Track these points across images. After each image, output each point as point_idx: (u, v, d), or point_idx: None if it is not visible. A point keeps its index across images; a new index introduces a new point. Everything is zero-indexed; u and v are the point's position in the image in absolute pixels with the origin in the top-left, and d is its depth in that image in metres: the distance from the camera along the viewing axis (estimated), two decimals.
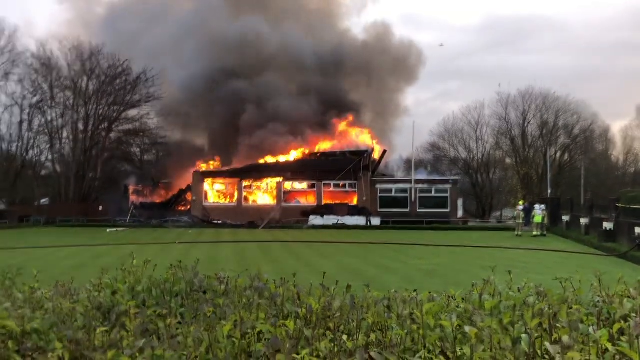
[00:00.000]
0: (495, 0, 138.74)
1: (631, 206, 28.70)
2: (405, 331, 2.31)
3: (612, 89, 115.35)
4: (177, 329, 2.55)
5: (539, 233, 36.45)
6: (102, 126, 58.46)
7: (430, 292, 2.99)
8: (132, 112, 60.22)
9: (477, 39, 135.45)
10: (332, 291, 3.00)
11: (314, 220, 45.81)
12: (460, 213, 48.83)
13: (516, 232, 37.56)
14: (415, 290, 3.08)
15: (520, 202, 41.79)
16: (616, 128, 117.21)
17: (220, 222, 47.08)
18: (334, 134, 56.74)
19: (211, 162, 54.88)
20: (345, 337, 2.29)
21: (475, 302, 2.81)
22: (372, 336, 2.36)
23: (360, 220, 45.54)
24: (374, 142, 54.97)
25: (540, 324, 2.20)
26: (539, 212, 36.85)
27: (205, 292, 3.31)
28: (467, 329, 2.06)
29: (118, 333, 2.32)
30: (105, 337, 2.37)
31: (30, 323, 2.53)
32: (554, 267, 21.77)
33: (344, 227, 44.00)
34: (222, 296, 3.12)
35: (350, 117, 58.02)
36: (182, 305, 3.08)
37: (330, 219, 45.66)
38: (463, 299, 3.04)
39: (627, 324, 2.09)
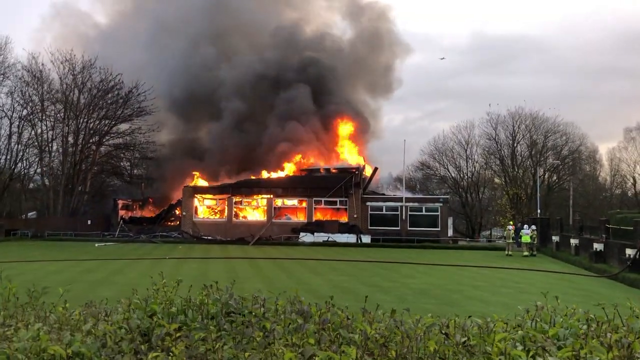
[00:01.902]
0: (483, 22, 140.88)
1: (622, 227, 28.88)
2: None
3: (599, 111, 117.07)
4: (219, 353, 2.48)
5: (528, 253, 36.54)
6: (93, 140, 58.07)
7: (500, 319, 2.92)
8: (123, 126, 59.96)
9: (466, 59, 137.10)
10: (375, 315, 2.94)
11: (304, 237, 45.65)
12: (450, 232, 48.90)
13: (506, 252, 37.64)
14: (470, 317, 3.04)
15: (511, 223, 41.86)
16: (603, 150, 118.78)
17: (210, 237, 46.78)
18: (327, 146, 56.88)
19: (199, 175, 54.57)
20: None
21: (529, 328, 2.77)
22: None
23: (350, 238, 45.44)
24: (364, 159, 55.09)
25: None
26: (526, 232, 37.03)
27: (242, 314, 3.23)
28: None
29: (169, 358, 2.26)
30: None
31: (72, 347, 2.46)
32: (547, 288, 21.68)
33: (334, 244, 43.86)
34: (264, 319, 3.04)
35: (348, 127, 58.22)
36: (221, 328, 3.00)
37: (320, 236, 45.53)
38: (519, 325, 2.99)
39: None
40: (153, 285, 3.64)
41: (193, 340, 2.53)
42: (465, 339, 2.62)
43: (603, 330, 2.65)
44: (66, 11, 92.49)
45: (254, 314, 3.21)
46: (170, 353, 2.34)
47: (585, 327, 2.80)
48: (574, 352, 2.14)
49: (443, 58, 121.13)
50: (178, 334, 2.65)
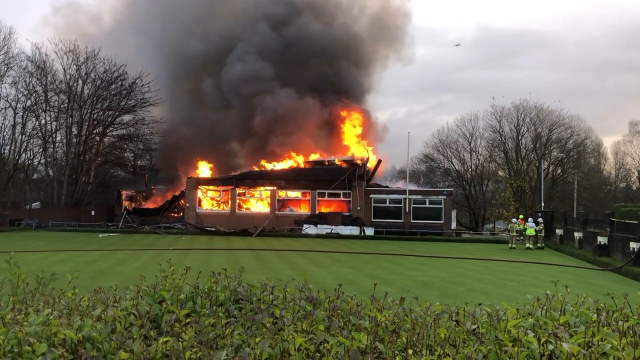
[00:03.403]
0: (489, 16, 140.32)
1: (626, 221, 28.84)
2: (488, 347, 2.26)
3: (604, 105, 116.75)
4: (235, 337, 2.49)
5: (532, 246, 36.58)
6: (96, 131, 58.16)
7: (511, 307, 2.92)
8: (127, 117, 59.97)
9: (470, 54, 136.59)
10: (390, 302, 2.93)
11: (308, 229, 45.70)
12: (453, 225, 48.89)
13: (510, 245, 37.66)
14: (480, 304, 3.04)
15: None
16: (608, 143, 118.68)
17: (213, 229, 46.88)
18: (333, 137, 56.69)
19: (204, 164, 54.61)
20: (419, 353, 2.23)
21: (540, 317, 2.77)
22: (443, 352, 2.30)
23: (354, 230, 45.49)
24: (369, 149, 54.95)
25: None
26: (531, 225, 37.06)
27: (251, 302, 3.24)
28: (567, 346, 2.02)
29: (179, 343, 2.27)
30: (163, 348, 2.31)
31: (82, 332, 2.47)
32: (550, 280, 21.76)
33: (337, 236, 43.91)
34: (273, 306, 3.05)
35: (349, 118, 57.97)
36: (232, 314, 3.02)
37: (324, 228, 45.58)
38: (530, 313, 2.99)
39: None
40: (162, 272, 3.65)
41: (203, 326, 2.54)
42: (475, 326, 2.63)
43: (614, 319, 2.65)
44: (68, 9, 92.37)
45: (262, 301, 3.22)
46: (180, 338, 2.36)
47: (595, 315, 2.80)
48: (585, 339, 2.15)
49: (458, 45, 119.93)
50: (187, 320, 2.66)
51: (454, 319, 2.72)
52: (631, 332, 2.15)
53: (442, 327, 2.47)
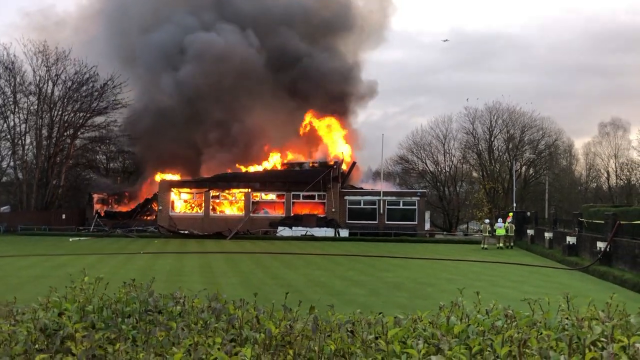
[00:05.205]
0: (463, 20, 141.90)
1: (593, 221, 29.27)
2: (371, 359, 2.18)
3: (574, 107, 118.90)
4: (127, 352, 2.37)
5: (502, 246, 37.03)
6: (67, 133, 57.09)
7: (395, 316, 2.85)
8: (99, 119, 58.96)
9: (444, 56, 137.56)
10: (294, 313, 2.85)
11: (283, 231, 45.54)
12: (427, 225, 49.17)
13: (482, 245, 37.97)
14: (380, 313, 2.96)
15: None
16: (579, 144, 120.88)
17: (186, 232, 46.37)
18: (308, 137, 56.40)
19: (177, 173, 54.01)
20: None
21: (442, 325, 2.70)
22: None
23: (328, 232, 45.45)
24: (342, 153, 54.89)
25: (510, 352, 2.11)
26: (500, 225, 37.55)
27: (160, 313, 3.12)
28: (434, 359, 1.95)
29: (62, 359, 2.14)
30: None
31: None
32: (519, 280, 22.08)
33: (312, 238, 43.81)
34: (176, 318, 2.93)
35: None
36: (134, 327, 2.89)
37: (298, 230, 45.46)
38: (430, 322, 2.93)
39: (600, 353, 2.02)
40: (71, 282, 3.51)
41: (93, 341, 2.41)
42: (375, 336, 2.55)
43: (514, 327, 2.60)
44: (38, 14, 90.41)
45: (171, 312, 3.10)
46: (70, 354, 2.22)
47: (499, 322, 2.74)
48: (466, 348, 2.09)
49: (446, 40, 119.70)
50: (78, 334, 2.53)
51: (349, 329, 2.65)
52: (512, 340, 2.09)
53: (336, 337, 2.39)
